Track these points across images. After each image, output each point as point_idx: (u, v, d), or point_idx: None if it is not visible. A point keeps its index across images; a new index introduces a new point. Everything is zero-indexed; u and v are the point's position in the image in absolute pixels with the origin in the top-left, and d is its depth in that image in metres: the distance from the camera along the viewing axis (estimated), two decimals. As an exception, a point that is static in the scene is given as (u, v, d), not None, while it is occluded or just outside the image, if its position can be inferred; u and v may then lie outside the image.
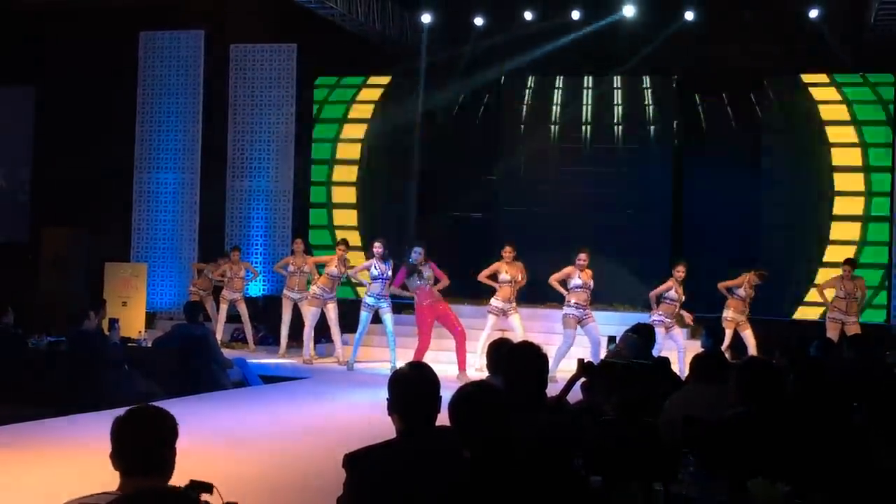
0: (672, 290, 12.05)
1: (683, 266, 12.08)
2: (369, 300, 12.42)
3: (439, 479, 3.06)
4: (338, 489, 3.47)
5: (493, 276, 12.32)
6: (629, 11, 14.20)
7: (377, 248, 12.41)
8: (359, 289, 14.15)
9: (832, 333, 11.93)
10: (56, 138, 16.43)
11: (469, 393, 3.25)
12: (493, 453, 3.03)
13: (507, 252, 12.26)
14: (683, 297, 12.18)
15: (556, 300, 12.55)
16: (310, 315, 13.10)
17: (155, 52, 16.04)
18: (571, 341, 11.77)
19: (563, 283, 12.04)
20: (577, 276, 11.89)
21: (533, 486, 2.98)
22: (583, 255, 11.87)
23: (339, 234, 15.05)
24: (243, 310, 14.21)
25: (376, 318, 12.57)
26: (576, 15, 14.66)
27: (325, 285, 13.10)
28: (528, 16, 14.93)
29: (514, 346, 4.72)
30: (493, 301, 12.26)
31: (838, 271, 12.80)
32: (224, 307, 14.16)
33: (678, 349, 11.68)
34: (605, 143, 15.64)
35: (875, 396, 3.55)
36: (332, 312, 13.10)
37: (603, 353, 9.46)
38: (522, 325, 12.11)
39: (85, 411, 8.66)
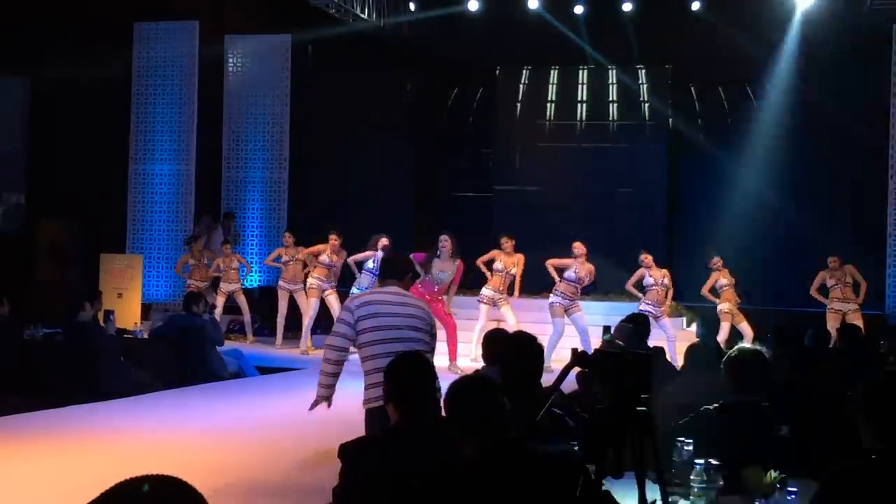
0: (646, 276, 12.09)
1: (644, 252, 12.15)
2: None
3: (435, 468, 3.08)
4: (334, 479, 3.50)
5: (489, 263, 12.36)
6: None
7: (384, 243, 12.32)
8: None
9: (833, 325, 11.83)
10: (51, 129, 16.38)
11: (464, 384, 3.26)
12: (490, 444, 3.05)
13: (507, 243, 12.28)
14: (666, 280, 12.17)
15: (549, 285, 12.45)
16: (310, 307, 13.06)
17: (150, 43, 15.98)
18: (561, 329, 11.82)
19: (559, 271, 12.07)
20: (573, 270, 11.94)
21: (530, 476, 3.00)
22: (575, 245, 11.95)
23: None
24: (243, 301, 14.16)
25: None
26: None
27: (321, 275, 13.05)
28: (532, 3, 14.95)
29: (510, 336, 4.74)
30: (483, 290, 12.29)
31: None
32: (222, 300, 14.06)
33: (667, 339, 11.61)
34: (600, 133, 15.63)
35: (866, 383, 3.56)
36: (333, 302, 12.97)
37: (595, 343, 9.50)
38: (514, 315, 12.12)
39: (81, 402, 8.68)
